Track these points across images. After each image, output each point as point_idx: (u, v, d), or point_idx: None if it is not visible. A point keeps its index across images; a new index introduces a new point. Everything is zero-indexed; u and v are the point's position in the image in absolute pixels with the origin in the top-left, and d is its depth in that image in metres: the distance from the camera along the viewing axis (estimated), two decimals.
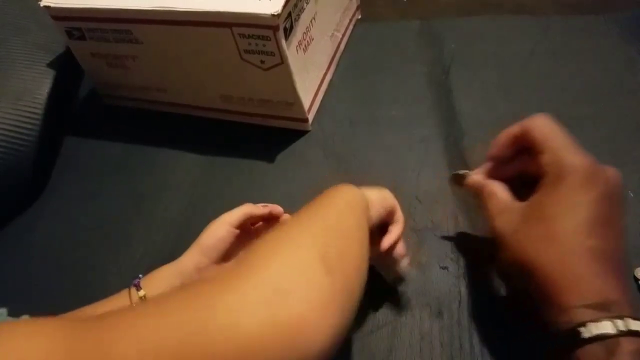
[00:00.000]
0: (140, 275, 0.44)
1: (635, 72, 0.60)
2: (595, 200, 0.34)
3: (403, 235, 0.42)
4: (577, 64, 0.62)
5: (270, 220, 0.49)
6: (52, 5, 0.57)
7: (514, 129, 0.40)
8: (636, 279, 0.42)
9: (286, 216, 0.48)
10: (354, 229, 0.34)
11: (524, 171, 0.39)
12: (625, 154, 0.52)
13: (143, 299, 0.42)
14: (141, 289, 0.42)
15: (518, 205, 0.38)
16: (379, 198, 0.40)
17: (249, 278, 0.25)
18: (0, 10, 0.66)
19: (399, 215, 0.42)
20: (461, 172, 0.45)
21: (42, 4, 0.57)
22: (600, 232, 0.34)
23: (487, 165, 0.42)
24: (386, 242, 0.41)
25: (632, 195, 0.49)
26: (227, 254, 0.45)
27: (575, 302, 0.32)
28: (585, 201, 0.34)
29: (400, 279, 0.44)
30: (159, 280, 0.44)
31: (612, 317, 0.30)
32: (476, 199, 0.42)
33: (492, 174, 0.42)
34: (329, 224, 0.32)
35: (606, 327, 0.30)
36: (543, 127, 0.38)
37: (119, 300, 0.43)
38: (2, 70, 0.60)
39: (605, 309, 0.31)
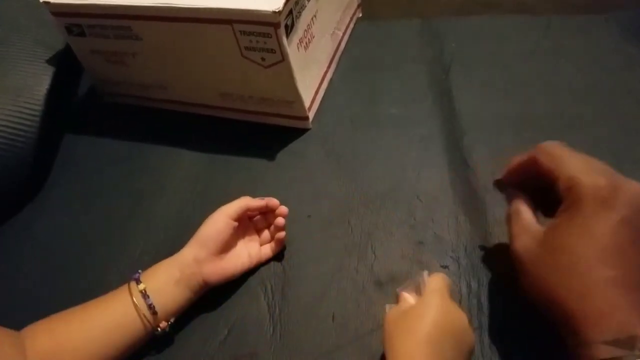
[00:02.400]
0: (140, 271, 0.44)
1: (635, 72, 0.60)
2: (615, 226, 0.32)
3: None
4: (577, 64, 0.62)
5: (267, 213, 0.50)
6: (51, 1, 0.57)
7: (522, 158, 0.39)
8: None
9: (283, 209, 0.48)
10: None
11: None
12: (625, 154, 0.52)
13: (143, 292, 0.42)
14: (141, 282, 0.42)
15: (538, 230, 0.36)
16: None
17: None
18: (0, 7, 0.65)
19: None
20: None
21: (41, 0, 0.57)
22: (623, 261, 0.32)
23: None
24: None
25: None
26: (226, 246, 0.46)
27: (596, 338, 0.30)
28: (603, 228, 0.32)
29: None
30: (159, 273, 0.44)
31: (633, 356, 0.29)
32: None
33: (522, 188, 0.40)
34: None
35: None
36: (551, 154, 0.37)
37: (119, 295, 0.43)
38: (1, 66, 0.60)
39: (628, 346, 0.29)
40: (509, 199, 0.41)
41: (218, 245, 0.45)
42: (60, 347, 0.40)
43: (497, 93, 0.61)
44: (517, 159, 0.40)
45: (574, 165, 0.35)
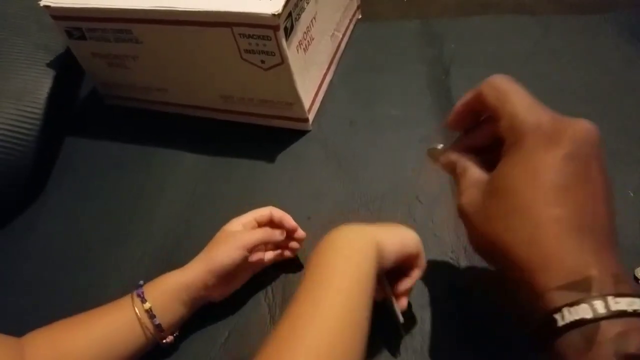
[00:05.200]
0: (142, 282, 0.44)
1: (635, 72, 0.60)
2: (560, 162, 0.29)
3: None
4: (577, 64, 0.62)
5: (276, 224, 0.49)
6: (51, 5, 0.57)
7: (468, 96, 0.35)
8: (636, 279, 0.42)
9: (300, 233, 0.48)
10: (355, 322, 0.33)
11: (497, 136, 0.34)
12: (625, 154, 0.52)
13: (149, 312, 0.41)
14: (146, 300, 0.42)
15: (483, 179, 0.33)
16: (398, 243, 0.38)
17: None
18: (0, 10, 0.66)
19: (422, 261, 0.40)
20: (438, 146, 0.39)
21: (41, 3, 0.57)
22: (571, 198, 0.28)
23: (462, 138, 0.38)
24: (402, 287, 0.40)
25: (632, 195, 0.49)
26: (234, 274, 0.45)
27: (549, 284, 0.27)
28: (547, 165, 0.29)
29: (398, 321, 0.41)
30: (165, 293, 0.43)
31: (590, 298, 0.25)
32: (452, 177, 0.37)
33: (468, 146, 0.37)
34: (330, 332, 0.32)
35: (583, 311, 0.25)
36: (496, 90, 0.33)
37: (124, 310, 0.42)
38: (2, 70, 0.61)
39: (583, 289, 0.26)
40: (450, 165, 0.37)
41: (230, 275, 0.44)
42: (61, 357, 0.39)
43: None
44: (464, 98, 0.35)
45: (518, 102, 0.32)
